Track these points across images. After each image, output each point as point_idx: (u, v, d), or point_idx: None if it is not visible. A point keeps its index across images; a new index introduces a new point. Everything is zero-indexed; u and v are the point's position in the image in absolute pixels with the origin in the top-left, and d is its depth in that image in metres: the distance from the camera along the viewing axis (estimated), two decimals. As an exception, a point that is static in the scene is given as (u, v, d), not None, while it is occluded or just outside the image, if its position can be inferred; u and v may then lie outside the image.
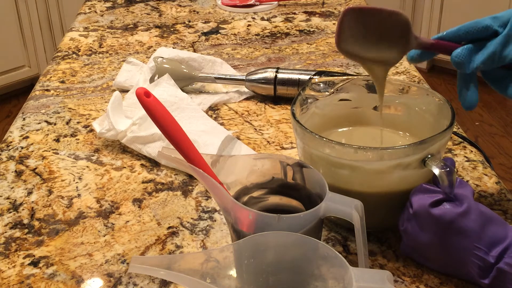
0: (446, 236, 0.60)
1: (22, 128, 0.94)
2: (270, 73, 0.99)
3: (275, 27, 1.33)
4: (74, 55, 1.20)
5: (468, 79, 0.66)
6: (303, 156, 0.69)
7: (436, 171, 0.61)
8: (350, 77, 0.77)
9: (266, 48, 1.21)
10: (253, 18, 1.38)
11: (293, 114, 0.68)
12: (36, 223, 0.73)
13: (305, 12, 1.41)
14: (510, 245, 0.58)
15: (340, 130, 0.76)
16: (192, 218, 0.73)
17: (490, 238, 0.58)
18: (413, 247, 0.63)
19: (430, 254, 0.62)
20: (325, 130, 0.74)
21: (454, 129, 0.89)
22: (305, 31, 1.30)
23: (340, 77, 0.76)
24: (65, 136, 0.91)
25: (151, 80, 1.00)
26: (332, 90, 0.75)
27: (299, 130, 0.66)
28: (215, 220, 0.73)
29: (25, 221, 0.74)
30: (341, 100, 0.76)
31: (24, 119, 0.96)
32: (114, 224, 0.73)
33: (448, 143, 0.86)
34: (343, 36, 0.64)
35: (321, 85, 0.75)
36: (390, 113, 0.76)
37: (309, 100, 0.74)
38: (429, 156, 0.62)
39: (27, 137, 0.91)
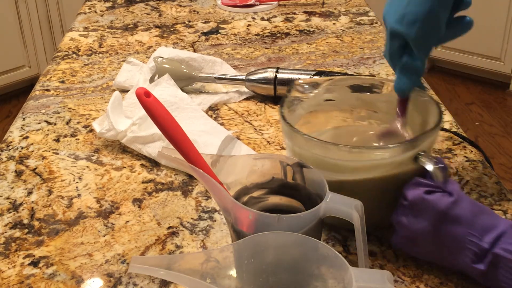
0: (440, 224, 0.60)
1: (22, 128, 0.94)
2: (270, 73, 0.99)
3: (275, 27, 1.33)
4: (74, 55, 1.20)
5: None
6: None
7: (430, 167, 0.62)
8: (333, 77, 0.78)
9: (266, 48, 1.21)
10: (253, 18, 1.38)
11: (283, 116, 0.68)
12: (36, 223, 0.73)
13: (305, 12, 1.41)
14: (504, 233, 0.59)
15: (327, 129, 0.77)
16: (192, 218, 0.73)
17: (482, 226, 0.60)
18: (406, 238, 0.64)
19: (424, 244, 0.63)
20: (312, 130, 0.75)
21: (454, 129, 0.89)
22: (305, 31, 1.30)
23: (324, 78, 0.77)
24: (65, 136, 0.91)
25: (151, 80, 1.00)
26: (317, 90, 0.76)
27: (289, 132, 0.67)
28: (215, 220, 0.73)
29: (25, 221, 0.74)
30: (326, 100, 0.77)
31: (24, 119, 0.96)
32: (114, 224, 0.73)
33: (448, 143, 0.86)
34: None
35: (305, 86, 0.76)
36: (378, 111, 0.77)
37: (294, 102, 0.74)
38: (421, 153, 0.63)
39: (27, 137, 0.91)
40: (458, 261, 0.61)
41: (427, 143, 0.65)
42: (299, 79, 0.89)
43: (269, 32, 1.29)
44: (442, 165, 0.61)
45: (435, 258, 0.64)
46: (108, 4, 1.48)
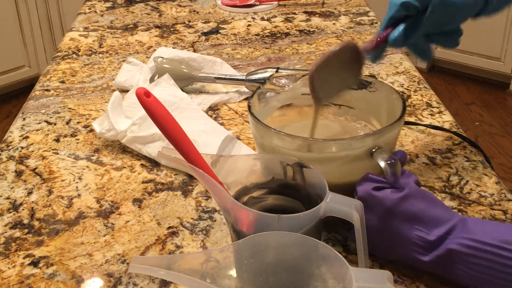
0: (388, 220, 0.61)
1: (22, 128, 0.94)
2: (270, 73, 0.99)
3: (275, 27, 1.33)
4: (74, 55, 1.20)
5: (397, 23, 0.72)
6: (259, 149, 0.71)
7: (382, 163, 0.62)
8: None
9: (266, 48, 1.21)
10: (253, 18, 1.38)
11: (249, 107, 0.70)
12: (36, 223, 0.73)
13: (305, 12, 1.41)
14: (455, 227, 0.59)
15: (301, 122, 0.78)
16: (192, 218, 0.73)
17: (432, 220, 0.60)
18: None
19: (376, 239, 0.63)
20: (286, 122, 0.76)
21: (454, 129, 0.89)
22: (305, 31, 1.30)
23: (302, 72, 0.78)
24: (65, 136, 0.91)
25: (151, 80, 1.00)
26: (293, 84, 0.77)
27: (252, 122, 0.68)
28: (215, 220, 0.73)
29: (25, 221, 0.74)
30: (303, 94, 0.78)
31: (24, 119, 0.96)
32: (114, 224, 0.73)
33: (448, 143, 0.86)
34: (317, 90, 0.72)
35: (283, 80, 0.77)
36: (351, 106, 0.78)
37: (268, 94, 0.75)
38: (376, 148, 0.64)
39: (27, 137, 0.91)
40: (408, 256, 0.62)
41: (385, 138, 0.65)
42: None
43: (269, 32, 1.29)
44: (392, 161, 0.62)
45: (388, 254, 0.64)
46: (108, 4, 1.48)
